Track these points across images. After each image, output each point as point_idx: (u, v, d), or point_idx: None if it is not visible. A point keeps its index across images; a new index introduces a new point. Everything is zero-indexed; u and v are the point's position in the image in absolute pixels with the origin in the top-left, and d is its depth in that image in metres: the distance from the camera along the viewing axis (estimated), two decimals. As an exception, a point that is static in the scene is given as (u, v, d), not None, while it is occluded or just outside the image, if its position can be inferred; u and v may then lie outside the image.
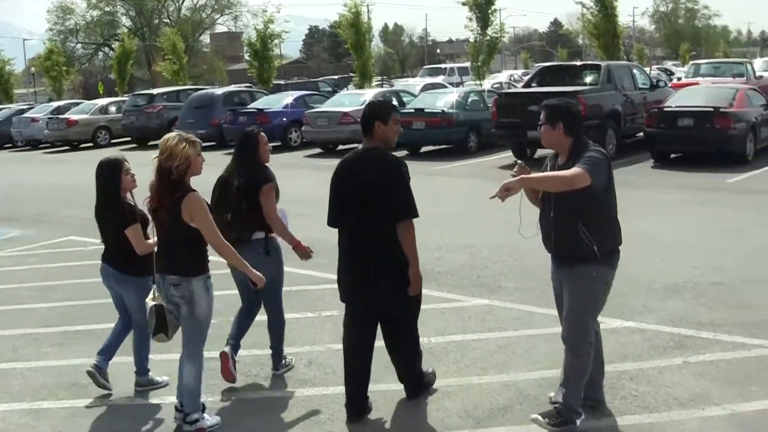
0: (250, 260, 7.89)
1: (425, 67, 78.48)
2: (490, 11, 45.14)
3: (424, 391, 8.25)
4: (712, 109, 23.13)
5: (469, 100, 30.79)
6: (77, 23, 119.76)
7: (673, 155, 24.66)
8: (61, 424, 8.20)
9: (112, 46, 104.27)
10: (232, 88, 47.54)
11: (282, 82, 57.45)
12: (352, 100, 33.77)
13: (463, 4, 45.17)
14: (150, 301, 7.48)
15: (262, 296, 8.83)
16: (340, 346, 8.01)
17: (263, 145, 8.80)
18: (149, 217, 7.76)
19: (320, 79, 65.67)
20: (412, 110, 30.11)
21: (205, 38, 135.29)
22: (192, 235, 7.22)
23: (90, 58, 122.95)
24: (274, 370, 9.16)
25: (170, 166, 7.07)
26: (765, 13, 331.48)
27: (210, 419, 7.72)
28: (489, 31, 45.49)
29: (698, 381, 8.35)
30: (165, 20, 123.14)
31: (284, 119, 34.43)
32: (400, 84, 50.83)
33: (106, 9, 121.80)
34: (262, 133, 8.90)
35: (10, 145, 45.93)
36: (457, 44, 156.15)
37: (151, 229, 7.87)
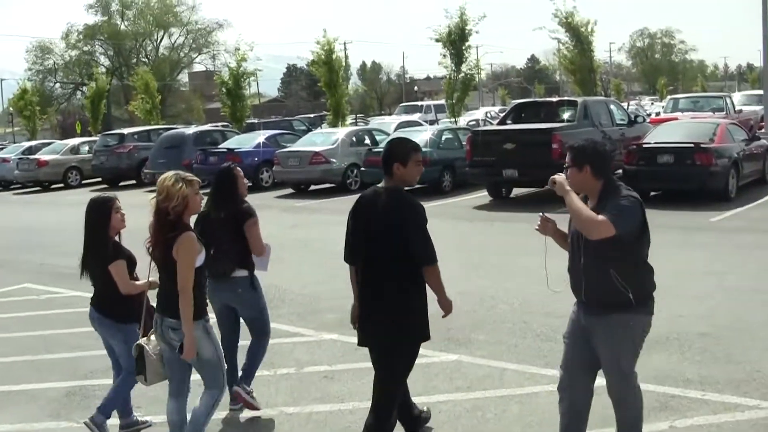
0: (228, 297, 8.67)
1: (402, 104, 78.01)
2: (464, 47, 44.53)
3: None
4: (692, 145, 22.36)
5: (443, 138, 30.10)
6: (56, 63, 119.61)
7: (653, 193, 23.77)
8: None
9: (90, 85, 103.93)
10: (204, 127, 47.05)
11: (256, 120, 56.67)
12: (324, 139, 33.04)
13: (437, 40, 44.68)
14: (140, 340, 7.53)
15: (251, 332, 9.11)
16: (294, 409, 8.14)
17: (241, 179, 8.91)
18: (135, 258, 7.95)
19: (295, 117, 64.83)
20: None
21: (184, 77, 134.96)
22: None
23: (68, 97, 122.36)
24: (237, 387, 8.99)
25: (167, 207, 7.03)
26: (741, 48, 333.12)
27: None
28: (463, 68, 44.89)
29: (687, 451, 7.54)
30: (143, 59, 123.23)
31: (255, 159, 33.75)
32: (375, 122, 50.14)
33: (85, 48, 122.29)
34: (238, 169, 9.03)
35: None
36: (434, 81, 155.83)
37: (153, 269, 7.60)
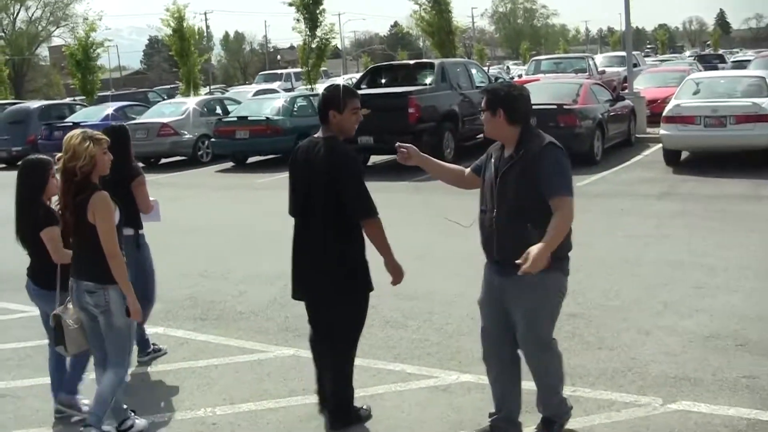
0: None
1: (261, 73, 76.62)
2: (318, 11, 42.98)
3: (348, 425, 7.20)
4: (555, 107, 21.22)
5: (297, 105, 28.66)
6: None
7: (516, 157, 22.70)
8: None
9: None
10: (50, 101, 44.33)
11: (109, 93, 54.26)
12: (173, 109, 31.16)
13: (290, 5, 42.97)
14: (57, 310, 7.17)
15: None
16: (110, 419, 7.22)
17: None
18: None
19: (150, 89, 62.35)
20: (235, 118, 28.06)
21: (44, 51, 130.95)
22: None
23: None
24: (139, 357, 9.14)
25: (74, 167, 6.70)
26: (602, 11, 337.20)
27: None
28: (318, 33, 43.29)
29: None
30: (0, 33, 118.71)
31: (101, 132, 31.46)
32: (233, 91, 48.41)
33: None
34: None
35: None
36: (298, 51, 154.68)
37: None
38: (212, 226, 17.12)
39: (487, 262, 6.56)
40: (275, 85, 53.28)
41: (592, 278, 11.06)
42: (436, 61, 26.54)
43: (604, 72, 37.48)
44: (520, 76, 43.05)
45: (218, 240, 15.66)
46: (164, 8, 45.22)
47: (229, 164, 28.15)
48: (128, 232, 8.37)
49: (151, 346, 9.40)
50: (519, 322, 6.30)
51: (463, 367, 8.41)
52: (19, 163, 7.97)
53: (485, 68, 38.21)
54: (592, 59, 39.35)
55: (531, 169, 6.02)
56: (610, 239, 13.49)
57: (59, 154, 6.89)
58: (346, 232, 6.84)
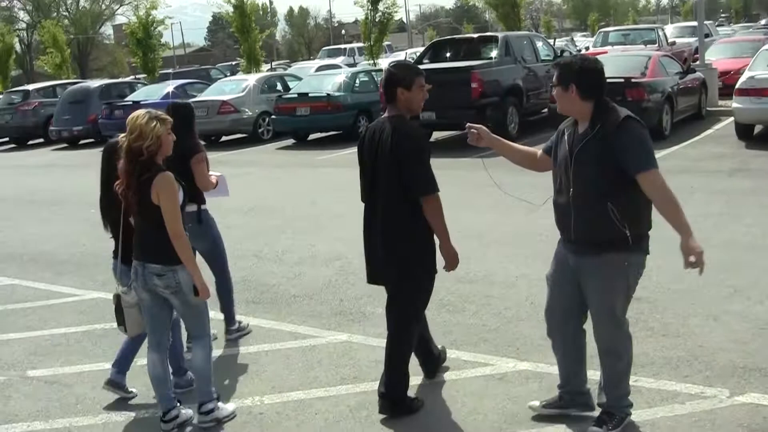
0: None
1: (324, 48, 76.18)
2: (382, -15, 42.32)
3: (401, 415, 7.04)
4: (622, 80, 20.56)
5: (358, 81, 28.32)
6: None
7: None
8: None
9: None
10: (110, 81, 44.31)
11: (171, 71, 54.31)
12: (233, 86, 30.94)
13: (352, -21, 42.23)
14: (117, 288, 7.28)
15: (209, 265, 8.83)
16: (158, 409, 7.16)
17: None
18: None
19: (213, 66, 62.30)
20: (296, 95, 27.77)
21: (108, 30, 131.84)
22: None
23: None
24: (226, 333, 9.24)
25: (140, 147, 6.61)
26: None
27: (225, 407, 7.31)
28: (380, 7, 42.66)
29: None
30: (63, 13, 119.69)
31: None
32: (296, 67, 48.12)
33: (3, 4, 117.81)
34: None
35: None
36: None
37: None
38: (270, 205, 16.88)
39: (561, 241, 6.38)
40: (338, 60, 52.93)
41: (657, 260, 10.52)
42: (500, 35, 25.94)
43: (674, 43, 36.56)
44: (587, 48, 42.26)
45: (276, 219, 15.43)
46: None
47: (290, 141, 28.05)
48: (191, 208, 8.37)
49: (236, 324, 9.39)
50: (593, 301, 6.18)
51: (521, 355, 8.08)
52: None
53: (551, 41, 37.49)
54: (662, 30, 38.38)
55: (609, 145, 5.82)
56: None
57: (122, 135, 6.86)
58: (412, 213, 6.70)
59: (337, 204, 15.93)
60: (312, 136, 28.33)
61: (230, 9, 45.38)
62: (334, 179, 19.62)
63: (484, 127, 6.75)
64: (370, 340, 8.83)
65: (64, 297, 11.57)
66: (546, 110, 23.47)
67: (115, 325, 8.37)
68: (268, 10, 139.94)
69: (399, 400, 7.03)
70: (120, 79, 47.04)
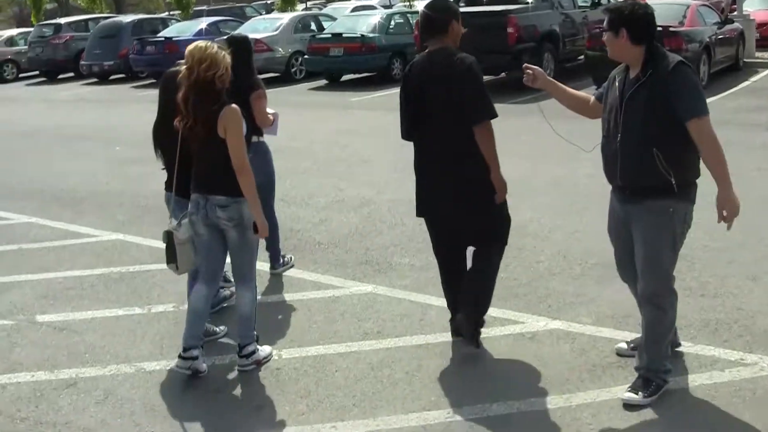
0: None
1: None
2: None
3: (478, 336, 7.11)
4: (660, 29, 20.01)
5: (393, 23, 27.86)
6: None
7: (618, 79, 21.67)
8: None
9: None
10: (142, 16, 43.92)
11: (205, 7, 53.74)
12: (267, 25, 30.56)
13: None
14: (168, 226, 7.01)
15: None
16: (169, 361, 7.13)
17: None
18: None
19: (248, 3, 61.46)
20: (329, 35, 27.44)
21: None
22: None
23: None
24: (271, 269, 9.29)
25: (213, 76, 6.44)
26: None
27: (263, 350, 7.22)
28: (416, -54, 41.41)
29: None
30: None
31: (194, 48, 31.11)
32: (331, 7, 47.47)
33: None
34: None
35: None
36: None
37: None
38: (300, 146, 16.45)
39: (612, 190, 6.32)
40: (373, 1, 52.21)
41: (696, 217, 10.29)
42: (537, -22, 25.37)
43: (713, -7, 35.95)
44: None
45: (305, 161, 15.12)
46: None
47: (323, 82, 27.68)
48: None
49: (281, 259, 9.41)
50: (639, 249, 6.06)
51: (552, 313, 7.78)
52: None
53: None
54: (700, -22, 37.67)
55: (661, 91, 5.74)
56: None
57: (183, 64, 6.60)
58: (472, 139, 6.61)
59: (367, 148, 15.64)
60: (345, 77, 27.99)
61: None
62: (366, 122, 19.30)
63: (540, 69, 6.64)
64: (396, 292, 8.55)
65: (82, 237, 11.40)
66: (582, 57, 22.94)
67: (131, 268, 8.14)
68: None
69: (479, 325, 7.08)
70: (152, 15, 46.52)
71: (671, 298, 6.15)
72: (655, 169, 5.76)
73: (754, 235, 9.37)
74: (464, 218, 6.88)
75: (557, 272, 8.77)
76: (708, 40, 21.21)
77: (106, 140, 19.06)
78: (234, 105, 6.61)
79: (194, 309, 6.97)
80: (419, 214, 7.16)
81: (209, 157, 6.70)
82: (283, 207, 11.83)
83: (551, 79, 6.72)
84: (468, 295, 6.93)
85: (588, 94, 6.76)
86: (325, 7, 52.70)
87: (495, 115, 6.60)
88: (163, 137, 7.43)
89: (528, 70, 6.60)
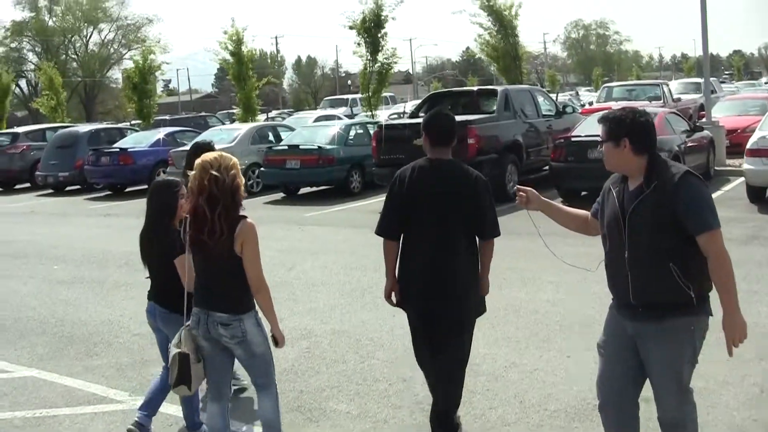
0: None
1: (326, 98, 75.23)
2: (380, 35, 40.62)
3: None
4: (627, 138, 19.35)
5: (352, 133, 27.10)
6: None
7: (583, 193, 20.66)
8: None
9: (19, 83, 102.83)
10: (100, 125, 43.38)
11: (167, 117, 53.09)
12: (223, 136, 29.52)
13: (351, 28, 40.80)
14: (174, 347, 6.65)
15: None
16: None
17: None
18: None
19: (211, 114, 60.74)
20: (285, 147, 26.70)
21: (116, 73, 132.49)
22: (242, 266, 6.40)
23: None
24: None
25: (238, 185, 6.36)
26: (675, 37, 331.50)
27: None
28: (380, 57, 40.95)
29: None
30: (72, 56, 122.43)
31: (149, 159, 30.73)
32: (295, 117, 47.04)
33: (12, 45, 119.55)
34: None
35: None
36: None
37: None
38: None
39: (613, 305, 5.98)
40: (340, 110, 51.85)
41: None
42: (499, 88, 24.78)
43: (679, 99, 35.69)
44: (590, 103, 41.14)
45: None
46: (222, 31, 43.79)
47: (280, 195, 26.81)
48: None
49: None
50: (657, 369, 5.74)
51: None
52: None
53: (553, 95, 36.32)
54: (667, 86, 37.40)
55: (669, 203, 5.50)
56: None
57: (191, 172, 6.43)
58: (472, 253, 7.04)
59: (315, 270, 14.62)
60: (303, 191, 27.14)
61: (228, 56, 44.19)
62: (318, 240, 18.30)
63: (533, 190, 6.40)
64: (327, 447, 7.45)
65: None
66: (547, 168, 22.11)
67: (38, 413, 7.23)
68: (277, 58, 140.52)
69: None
70: (109, 125, 46.00)
71: (693, 414, 5.89)
72: (673, 284, 5.48)
73: (738, 373, 8.36)
74: (453, 329, 7.04)
75: (512, 422, 7.69)
76: (677, 148, 20.58)
77: (45, 258, 18.09)
78: (250, 220, 6.36)
79: (212, 429, 6.78)
80: (400, 305, 7.33)
81: (215, 272, 6.47)
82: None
83: (546, 199, 6.42)
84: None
85: (581, 210, 6.52)
86: (289, 116, 52.33)
87: (499, 233, 6.99)
88: (149, 246, 7.49)
89: (521, 192, 6.36)
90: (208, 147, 8.42)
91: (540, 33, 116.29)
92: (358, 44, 40.64)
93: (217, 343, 6.55)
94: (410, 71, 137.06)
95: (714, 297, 5.51)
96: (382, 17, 40.13)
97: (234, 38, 43.53)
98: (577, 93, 70.99)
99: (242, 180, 6.41)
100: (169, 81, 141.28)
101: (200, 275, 6.62)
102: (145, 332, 11.42)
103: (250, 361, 6.66)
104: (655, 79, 54.34)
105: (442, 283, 6.91)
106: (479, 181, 6.93)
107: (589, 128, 20.96)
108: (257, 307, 6.60)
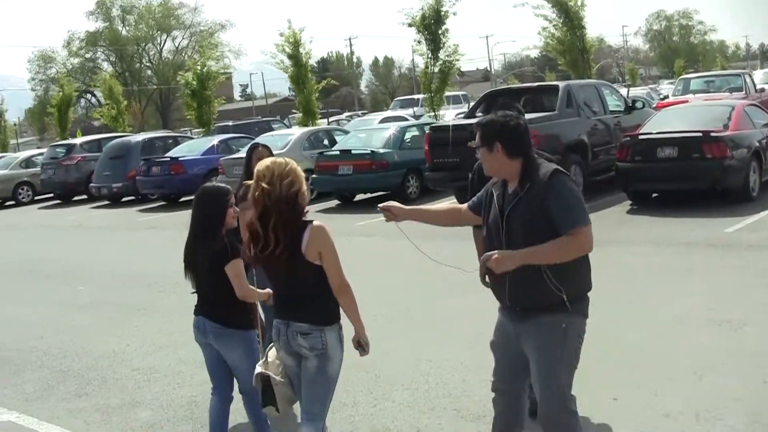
0: None
1: (397, 99, 74.28)
2: (440, 32, 39.43)
3: None
4: (700, 134, 17.69)
5: (408, 136, 25.72)
6: (58, 71, 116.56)
7: (654, 195, 19.25)
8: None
9: (94, 92, 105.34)
10: (152, 134, 42.91)
11: (230, 122, 52.11)
12: (275, 141, 28.21)
13: (410, 25, 39.65)
14: (259, 366, 6.29)
15: None
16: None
17: None
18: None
19: (274, 118, 59.59)
20: (337, 152, 25.45)
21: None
22: (323, 274, 5.96)
23: (73, 105, 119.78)
24: None
25: (297, 192, 5.94)
26: (763, 26, 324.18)
27: None
28: (441, 55, 39.74)
29: None
30: (146, 64, 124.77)
31: (201, 168, 29.79)
32: (360, 119, 45.94)
33: (87, 56, 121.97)
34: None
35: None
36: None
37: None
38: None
39: (499, 309, 6.06)
40: (410, 111, 50.52)
41: (752, 376, 7.89)
42: (561, 84, 22.98)
43: (763, 90, 33.61)
44: (665, 97, 39.28)
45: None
46: (279, 33, 43.09)
47: (335, 202, 25.64)
48: None
49: None
50: (534, 371, 5.81)
51: None
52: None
53: (624, 89, 34.53)
54: (750, 76, 35.35)
55: (540, 203, 5.57)
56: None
57: (250, 183, 6.25)
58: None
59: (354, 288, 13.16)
60: (359, 197, 25.92)
61: (284, 58, 43.26)
62: (365, 253, 16.92)
63: (395, 203, 6.40)
64: None
65: None
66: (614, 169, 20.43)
67: None
68: (353, 59, 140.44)
69: None
70: (163, 133, 46.54)
71: (568, 417, 5.78)
72: (545, 287, 5.57)
73: None
74: None
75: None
76: (758, 144, 18.73)
77: (72, 278, 17.30)
78: (318, 222, 6.03)
79: None
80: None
81: (290, 282, 6.11)
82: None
83: (410, 207, 6.46)
84: None
85: (448, 205, 6.70)
86: (352, 120, 51.23)
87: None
88: (196, 254, 7.09)
89: (385, 209, 6.35)
90: (264, 150, 8.82)
91: (619, 26, 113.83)
92: (418, 42, 39.53)
93: (300, 357, 6.13)
94: (488, 68, 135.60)
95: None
96: (443, 13, 38.99)
97: (291, 40, 42.62)
98: (657, 87, 68.72)
99: (303, 185, 6.02)
100: (246, 86, 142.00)
101: (276, 285, 6.31)
102: (145, 366, 10.58)
103: (316, 378, 6.10)
104: (740, 69, 52.11)
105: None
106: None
107: (660, 125, 19.37)
108: (340, 320, 6.17)
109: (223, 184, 7.46)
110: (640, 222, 17.32)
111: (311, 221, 6.02)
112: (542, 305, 5.65)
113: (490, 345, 6.16)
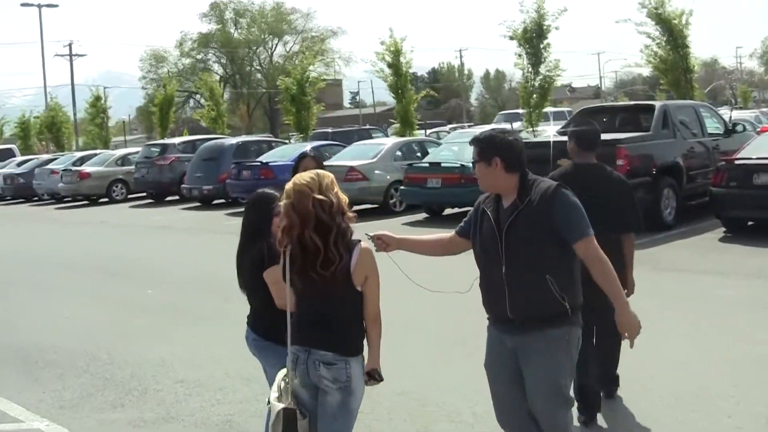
0: None
1: (501, 112, 72.96)
2: (542, 46, 38.27)
3: None
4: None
5: (500, 150, 24.81)
6: (170, 71, 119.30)
7: (749, 223, 18.33)
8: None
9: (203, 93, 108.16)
10: (247, 138, 43.73)
11: (329, 129, 51.88)
12: (367, 150, 28.19)
13: (511, 38, 38.61)
14: (276, 402, 5.61)
15: None
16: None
17: None
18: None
19: (376, 127, 58.84)
20: (426, 164, 24.93)
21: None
22: (359, 300, 5.67)
23: (182, 105, 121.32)
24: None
25: (344, 203, 5.64)
26: None
27: None
28: (542, 69, 38.65)
29: None
30: (257, 67, 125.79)
31: (290, 174, 28.93)
32: (462, 131, 45.25)
33: (198, 57, 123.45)
34: None
35: (37, 198, 43.72)
36: (559, 89, 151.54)
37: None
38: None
39: (491, 324, 6.13)
40: (516, 124, 49.70)
41: None
42: (658, 103, 22.14)
43: None
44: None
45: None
46: (379, 41, 42.66)
47: (423, 215, 25.01)
48: None
49: None
50: (537, 379, 5.83)
51: None
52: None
53: (728, 112, 33.35)
54: None
55: (544, 216, 5.71)
56: None
57: (288, 201, 5.68)
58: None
59: (415, 309, 12.51)
60: (447, 211, 25.26)
61: (385, 68, 42.80)
62: (442, 269, 16.28)
63: (386, 232, 6.41)
64: None
65: (7, 422, 9.12)
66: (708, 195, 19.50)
67: None
68: (464, 71, 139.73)
69: None
70: (257, 137, 47.99)
71: (570, 426, 5.97)
72: (550, 296, 5.68)
73: None
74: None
75: None
76: None
77: (144, 279, 17.20)
78: (365, 243, 5.75)
79: None
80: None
81: (323, 304, 5.71)
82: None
83: (402, 236, 6.51)
84: None
85: (437, 234, 6.73)
86: (452, 131, 50.69)
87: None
88: (242, 265, 6.74)
89: (376, 239, 6.31)
90: (311, 161, 8.33)
91: (733, 47, 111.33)
92: (519, 56, 38.63)
93: (317, 391, 5.69)
94: (599, 86, 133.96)
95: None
96: (545, 27, 38.18)
97: (392, 49, 42.21)
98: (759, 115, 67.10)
99: (345, 197, 5.72)
100: (357, 93, 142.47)
101: (303, 306, 5.78)
102: (190, 378, 10.15)
103: (339, 411, 5.65)
104: None
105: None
106: (624, 181, 8.12)
107: (759, 150, 18.38)
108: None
109: (272, 191, 7.04)
110: (732, 251, 16.45)
111: (359, 240, 5.71)
112: (546, 315, 5.73)
113: (484, 366, 6.15)
